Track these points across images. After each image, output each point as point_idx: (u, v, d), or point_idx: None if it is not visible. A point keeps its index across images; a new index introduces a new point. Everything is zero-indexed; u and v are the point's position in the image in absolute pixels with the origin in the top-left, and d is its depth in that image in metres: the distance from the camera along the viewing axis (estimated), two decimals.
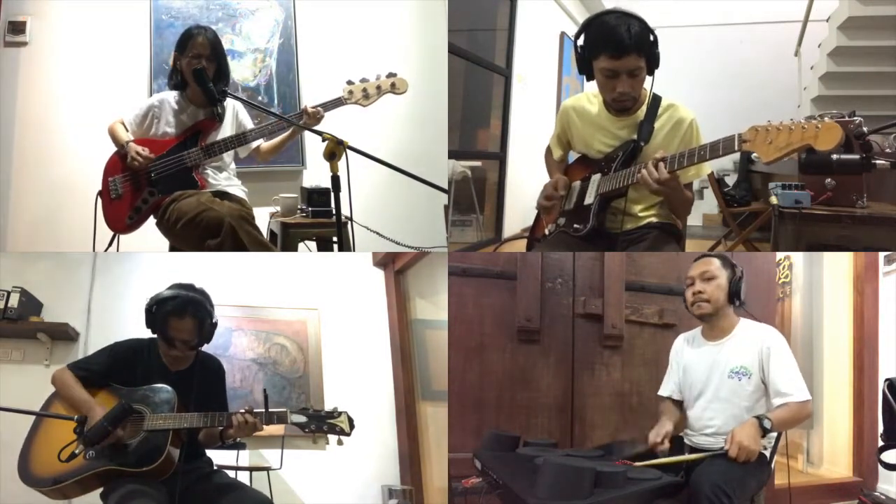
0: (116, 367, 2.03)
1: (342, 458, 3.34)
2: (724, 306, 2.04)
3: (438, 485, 3.31)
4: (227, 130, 2.79)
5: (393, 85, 2.70)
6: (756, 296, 2.17)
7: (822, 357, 3.62)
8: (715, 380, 2.01)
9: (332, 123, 2.50)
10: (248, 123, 2.88)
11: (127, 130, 2.73)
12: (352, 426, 1.99)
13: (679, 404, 2.16)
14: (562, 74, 6.92)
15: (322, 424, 1.98)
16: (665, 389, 2.20)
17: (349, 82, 2.68)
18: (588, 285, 2.73)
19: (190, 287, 2.07)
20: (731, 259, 2.11)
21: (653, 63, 2.03)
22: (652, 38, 2.00)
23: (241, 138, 2.75)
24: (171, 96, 2.76)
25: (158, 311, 2.01)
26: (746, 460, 1.77)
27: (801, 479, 3.48)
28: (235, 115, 2.85)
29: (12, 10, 3.61)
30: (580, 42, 2.09)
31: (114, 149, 2.74)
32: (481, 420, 2.56)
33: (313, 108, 2.67)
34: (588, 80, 2.16)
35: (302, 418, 1.97)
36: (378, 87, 2.69)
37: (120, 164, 2.70)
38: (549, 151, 2.51)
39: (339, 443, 1.89)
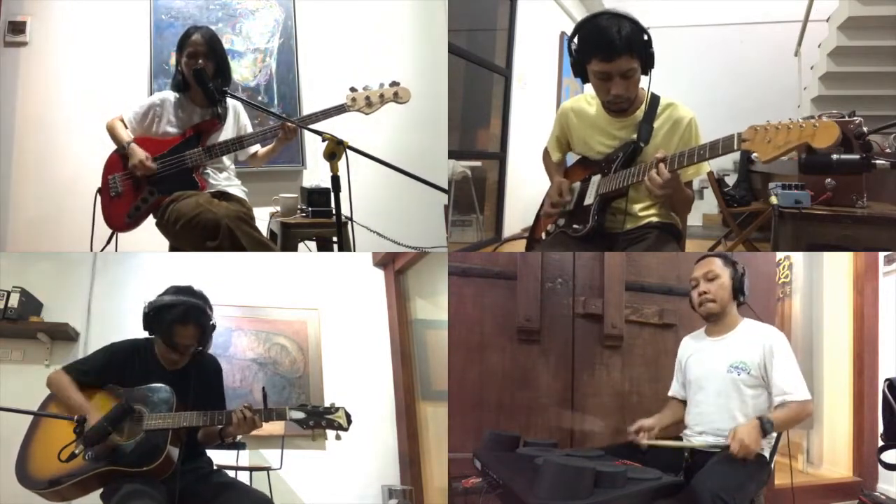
0: (113, 368, 2.03)
1: (342, 457, 3.34)
2: (729, 304, 2.07)
3: (438, 485, 3.31)
4: (228, 131, 2.78)
5: (396, 94, 2.68)
6: (756, 296, 2.17)
7: (822, 357, 3.63)
8: (715, 374, 2.03)
9: (332, 123, 2.49)
10: (248, 124, 2.88)
11: (126, 128, 2.72)
12: (349, 421, 2.01)
13: (683, 405, 2.17)
14: (562, 75, 6.91)
15: (320, 420, 2.00)
16: (671, 389, 2.24)
17: (352, 89, 2.67)
18: (588, 285, 2.73)
19: (189, 291, 2.06)
20: (732, 257, 2.13)
21: (647, 63, 2.02)
22: (645, 38, 1.98)
23: (242, 142, 2.74)
24: (172, 95, 2.75)
25: (160, 316, 2.00)
26: (745, 458, 1.78)
27: (801, 479, 3.48)
28: (237, 117, 2.85)
29: (12, 10, 3.61)
30: (574, 45, 2.09)
31: (114, 147, 2.73)
32: (481, 420, 2.56)
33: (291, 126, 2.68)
34: (583, 82, 2.15)
35: (300, 414, 2.00)
36: (381, 96, 2.67)
37: (120, 162, 2.69)
38: (546, 154, 2.50)
39: (338, 437, 1.90)
